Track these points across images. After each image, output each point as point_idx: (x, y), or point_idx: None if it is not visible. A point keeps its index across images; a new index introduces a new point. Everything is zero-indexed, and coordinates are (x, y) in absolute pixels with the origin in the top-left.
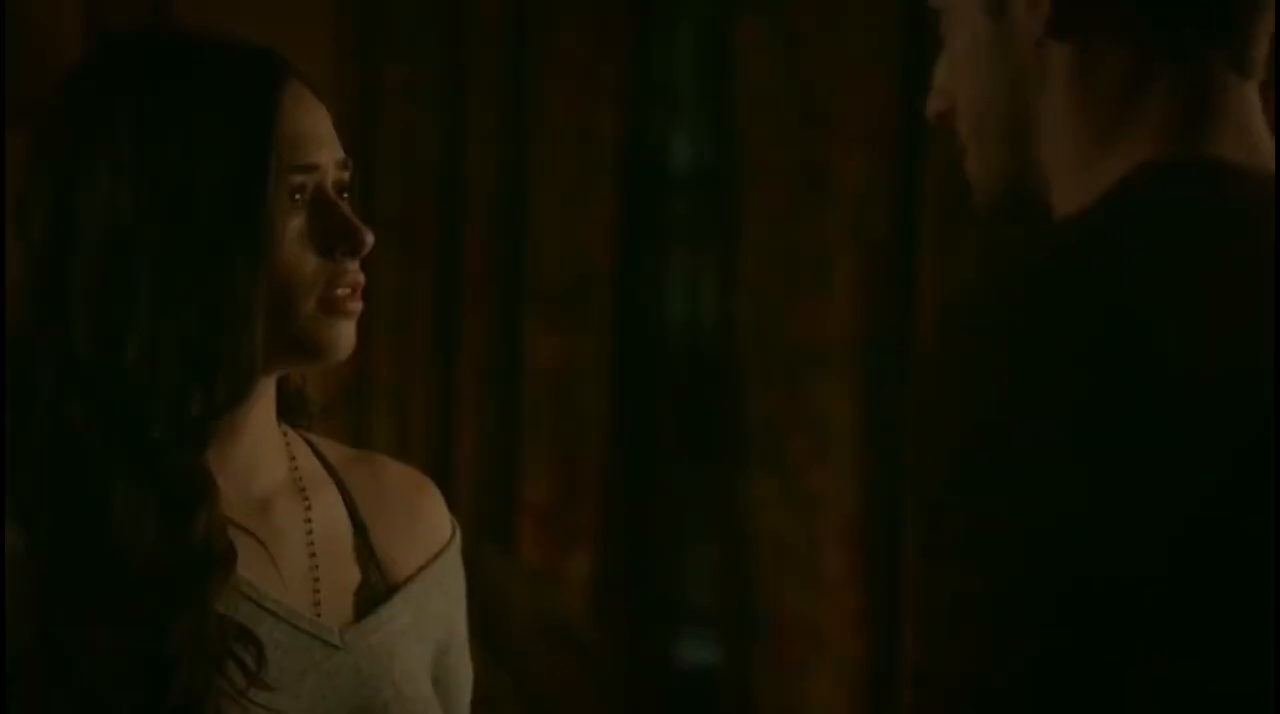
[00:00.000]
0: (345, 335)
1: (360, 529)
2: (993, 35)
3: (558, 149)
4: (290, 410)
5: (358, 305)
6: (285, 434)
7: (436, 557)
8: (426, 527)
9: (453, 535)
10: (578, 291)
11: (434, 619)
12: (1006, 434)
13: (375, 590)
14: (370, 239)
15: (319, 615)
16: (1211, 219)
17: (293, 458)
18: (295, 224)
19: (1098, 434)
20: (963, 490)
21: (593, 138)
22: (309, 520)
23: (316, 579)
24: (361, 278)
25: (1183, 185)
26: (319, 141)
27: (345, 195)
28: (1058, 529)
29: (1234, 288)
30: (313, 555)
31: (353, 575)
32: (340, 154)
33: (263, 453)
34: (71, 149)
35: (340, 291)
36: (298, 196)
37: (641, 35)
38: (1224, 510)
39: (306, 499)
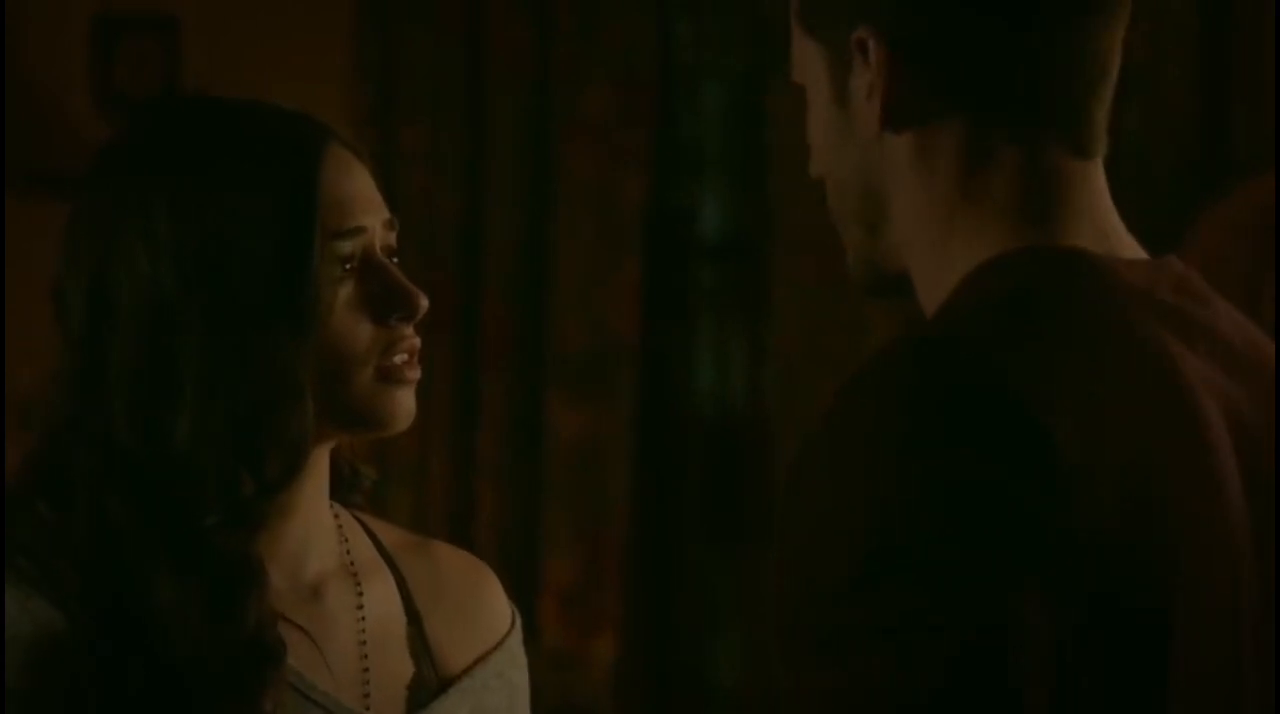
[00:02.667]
0: (405, 404)
1: (414, 619)
2: (839, 122)
3: (581, 215)
4: (343, 484)
5: (416, 372)
6: (338, 515)
7: (496, 647)
8: (485, 617)
9: (513, 624)
10: (601, 363)
11: (493, 712)
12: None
13: (427, 684)
14: (425, 302)
15: (368, 709)
16: (1064, 307)
17: (345, 540)
18: (345, 292)
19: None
20: (854, 594)
21: (617, 203)
22: (361, 608)
23: (366, 670)
24: (418, 342)
25: (1029, 275)
26: (363, 204)
27: (395, 260)
28: (949, 627)
29: (1096, 375)
30: (363, 644)
31: (404, 668)
32: (386, 214)
33: (315, 536)
34: (107, 228)
35: (398, 358)
36: (347, 265)
37: (668, 97)
38: (1115, 597)
39: (359, 585)
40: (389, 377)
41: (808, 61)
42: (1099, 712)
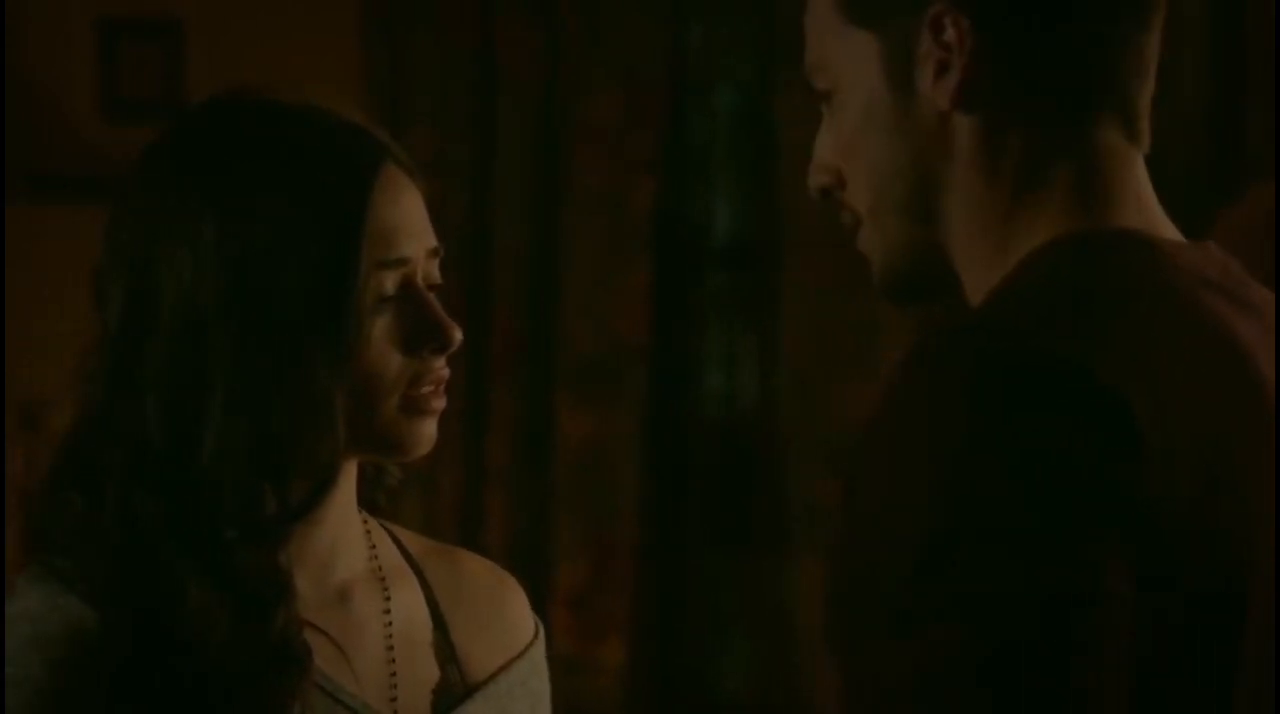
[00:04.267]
0: (427, 434)
1: (440, 624)
2: (895, 109)
3: (590, 219)
4: (367, 481)
5: (441, 402)
6: (366, 521)
7: (520, 655)
8: (509, 624)
9: (536, 634)
10: (610, 368)
11: None
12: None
13: (454, 689)
14: (459, 336)
15: (395, 712)
16: (1128, 285)
17: (373, 547)
18: (382, 322)
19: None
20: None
21: (627, 207)
22: (388, 613)
23: (394, 674)
24: (446, 373)
25: (1095, 255)
26: (410, 233)
27: (438, 284)
28: (1026, 605)
29: (1165, 350)
30: (390, 649)
31: (431, 672)
32: (432, 242)
33: (343, 542)
34: (154, 229)
35: (425, 389)
36: (387, 293)
37: (678, 101)
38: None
39: (386, 591)
40: (414, 407)
41: (848, 55)
42: (1176, 682)
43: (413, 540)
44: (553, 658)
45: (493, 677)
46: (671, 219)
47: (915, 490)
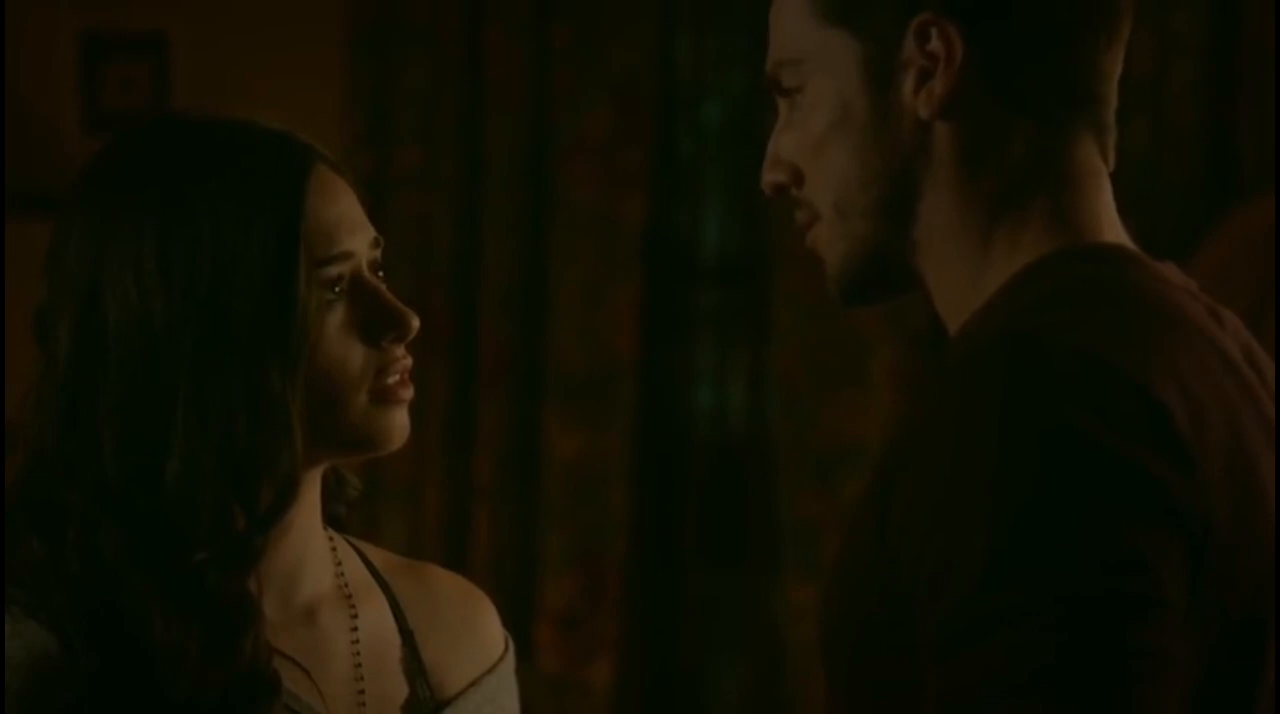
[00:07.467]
0: (400, 423)
1: (408, 640)
2: (872, 113)
3: (579, 235)
4: (329, 495)
5: (409, 391)
6: (331, 538)
7: (490, 671)
8: (479, 640)
9: (506, 649)
10: (600, 385)
11: None
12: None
13: (423, 705)
14: (416, 321)
15: None
16: (1134, 297)
17: (339, 563)
18: (336, 317)
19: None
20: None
21: (616, 224)
22: (355, 629)
23: (362, 691)
24: (410, 362)
25: (1100, 268)
26: (349, 227)
27: (381, 274)
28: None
29: (1178, 357)
30: (358, 667)
31: (400, 688)
32: (372, 233)
33: (308, 558)
34: (95, 257)
35: (391, 380)
36: (336, 289)
37: (668, 117)
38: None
39: (353, 607)
40: (383, 398)
41: (821, 53)
42: (1212, 697)
43: (380, 556)
44: (541, 677)
45: (463, 692)
46: (661, 235)
47: (977, 504)
